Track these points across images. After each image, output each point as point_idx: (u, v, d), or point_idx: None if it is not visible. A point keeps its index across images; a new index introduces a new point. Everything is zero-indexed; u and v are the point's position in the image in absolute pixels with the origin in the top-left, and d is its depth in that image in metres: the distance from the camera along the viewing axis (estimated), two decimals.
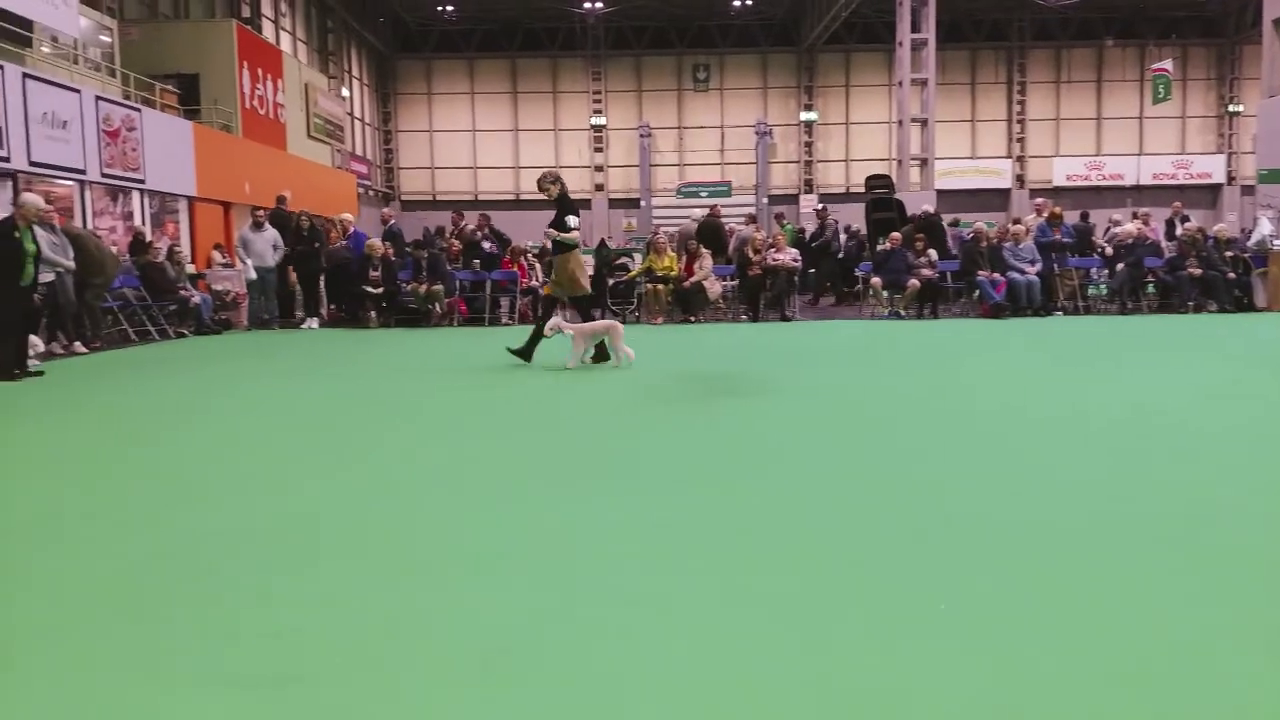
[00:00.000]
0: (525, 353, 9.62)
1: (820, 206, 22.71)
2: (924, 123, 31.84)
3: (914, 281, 15.22)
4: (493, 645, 2.70)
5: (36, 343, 10.05)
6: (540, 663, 2.58)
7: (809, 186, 44.29)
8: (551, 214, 9.69)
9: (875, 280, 15.63)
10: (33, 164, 15.12)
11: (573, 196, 10.13)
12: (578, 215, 9.84)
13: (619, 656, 2.62)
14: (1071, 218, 18.14)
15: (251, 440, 6.10)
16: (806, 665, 2.53)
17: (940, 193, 32.75)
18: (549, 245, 10.55)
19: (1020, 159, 44.57)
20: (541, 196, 9.92)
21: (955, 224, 21.29)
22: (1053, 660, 2.54)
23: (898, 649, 2.63)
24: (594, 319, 10.10)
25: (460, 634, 2.79)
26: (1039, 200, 17.59)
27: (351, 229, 16.11)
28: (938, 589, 3.08)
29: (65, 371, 9.89)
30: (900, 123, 32.10)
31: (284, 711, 2.34)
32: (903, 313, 15.36)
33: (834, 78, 44.51)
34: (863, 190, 26.86)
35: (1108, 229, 19.46)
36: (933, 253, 15.81)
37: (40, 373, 9.47)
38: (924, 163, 32.20)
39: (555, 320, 9.46)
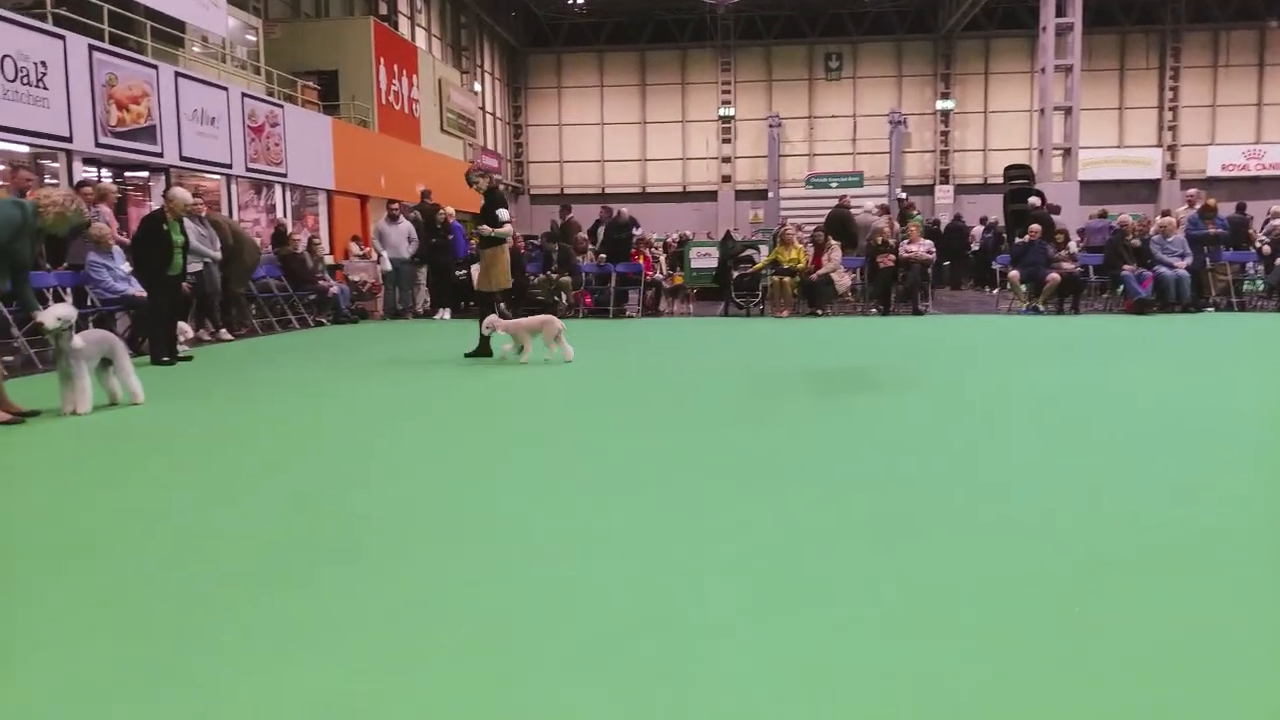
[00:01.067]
0: (481, 350, 9.69)
1: (903, 195, 22.04)
2: (1068, 111, 30.60)
3: (1054, 275, 14.63)
4: (599, 633, 2.66)
5: (185, 329, 10.49)
6: (638, 658, 2.52)
7: (945, 177, 43.13)
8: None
9: (1013, 274, 15.09)
10: (184, 159, 15.84)
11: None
12: (508, 209, 9.93)
13: (730, 658, 2.53)
14: (1226, 209, 17.15)
15: (387, 422, 6.22)
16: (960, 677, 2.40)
17: (1084, 184, 31.48)
18: (474, 245, 10.47)
19: (1171, 148, 42.44)
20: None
21: (1102, 215, 20.43)
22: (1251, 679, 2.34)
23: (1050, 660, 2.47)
24: (504, 315, 9.95)
25: (577, 619, 2.76)
26: (1191, 191, 16.67)
27: (451, 221, 16.24)
28: (1075, 594, 2.89)
29: (213, 357, 10.31)
30: (1042, 111, 30.93)
31: (409, 689, 2.33)
32: (1041, 308, 14.77)
33: (972, 65, 43.20)
34: (1001, 181, 26.03)
35: (1266, 221, 18.38)
36: (1073, 245, 15.18)
37: (189, 358, 9.89)
38: (1067, 152, 30.98)
39: (491, 318, 9.45)
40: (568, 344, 9.17)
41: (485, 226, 9.70)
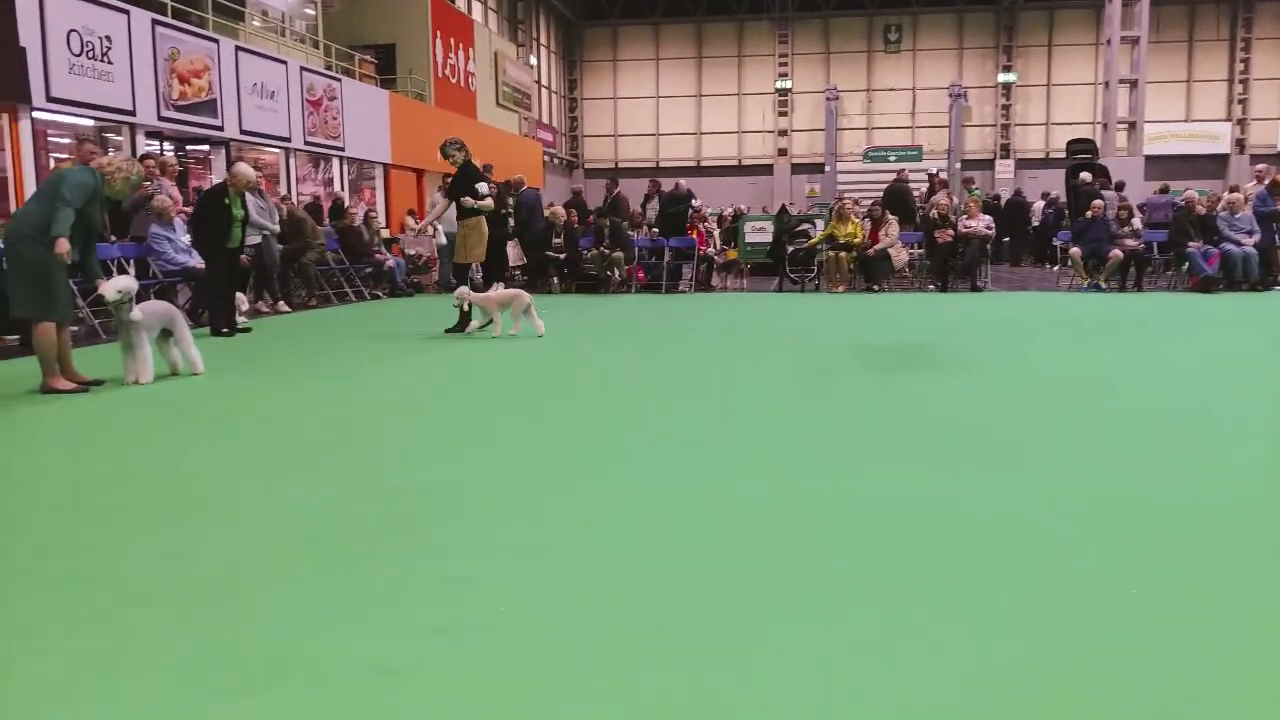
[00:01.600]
0: (459, 327, 9.71)
1: (934, 171, 21.62)
2: (1133, 84, 29.92)
3: (1116, 252, 14.33)
4: (659, 606, 2.66)
5: (242, 300, 10.64)
6: (702, 631, 2.52)
7: (1005, 151, 42.36)
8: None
9: (1074, 250, 14.80)
10: (244, 133, 16.03)
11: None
12: (489, 182, 9.98)
13: (781, 634, 2.52)
14: None
15: (442, 394, 6.28)
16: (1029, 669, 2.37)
17: (1149, 158, 30.78)
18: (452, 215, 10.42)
19: (1241, 122, 41.24)
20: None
21: (1163, 191, 19.97)
22: None
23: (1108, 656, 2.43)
24: (476, 287, 9.95)
25: (627, 592, 2.76)
26: (1260, 167, 16.23)
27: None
28: (1129, 575, 2.84)
29: (271, 328, 10.47)
30: (1107, 84, 30.25)
31: (455, 658, 2.36)
32: (1103, 285, 14.48)
33: (1035, 37, 42.29)
34: (1063, 156, 25.52)
35: None
36: (1137, 221, 14.84)
37: (248, 329, 10.05)
38: (1132, 126, 30.29)
39: (462, 290, 9.50)
40: (538, 317, 9.23)
41: (468, 199, 9.71)
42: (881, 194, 17.49)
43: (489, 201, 10.02)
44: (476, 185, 9.74)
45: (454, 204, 9.87)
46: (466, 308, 9.56)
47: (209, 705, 2.19)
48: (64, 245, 6.22)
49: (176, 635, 2.57)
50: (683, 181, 18.09)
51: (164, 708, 2.18)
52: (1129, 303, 12.75)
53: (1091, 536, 3.29)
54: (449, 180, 10.38)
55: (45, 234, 6.23)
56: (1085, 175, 17.20)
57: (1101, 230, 14.60)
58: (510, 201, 15.45)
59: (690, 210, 16.64)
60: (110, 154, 7.14)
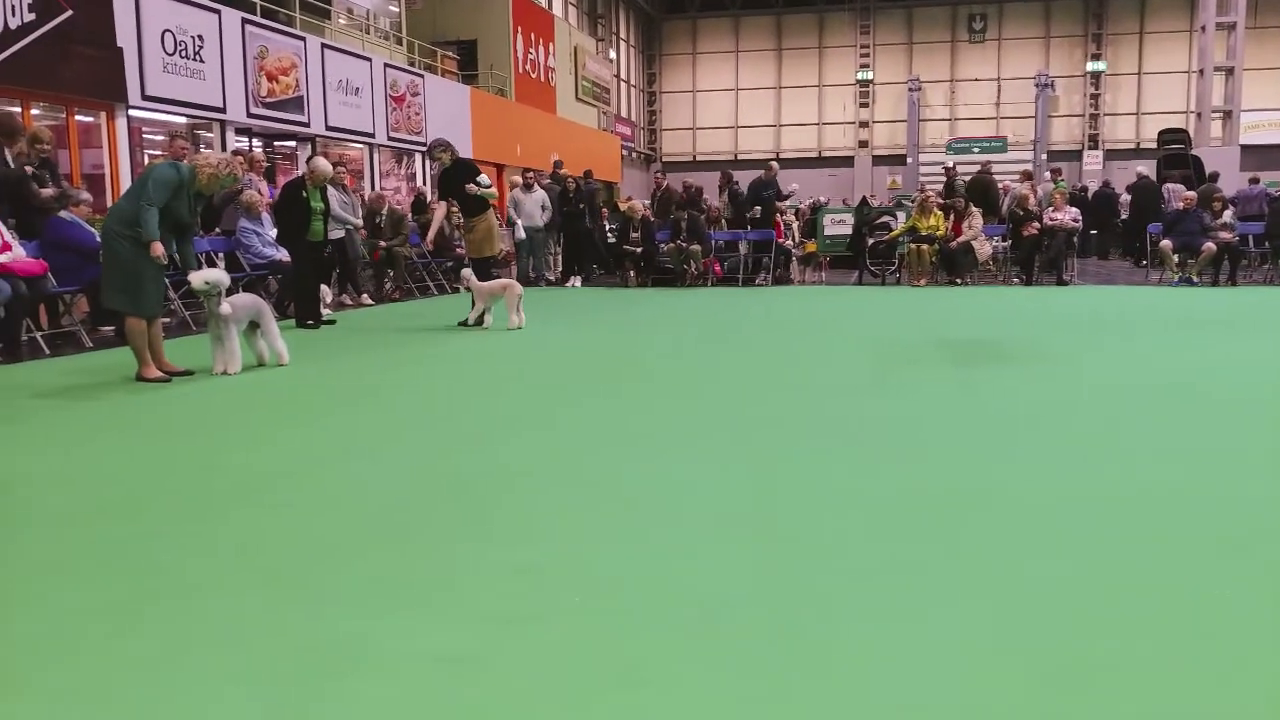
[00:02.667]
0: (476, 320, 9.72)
1: (950, 165, 20.96)
2: (1229, 71, 28.90)
3: (1209, 245, 13.87)
4: (724, 597, 2.66)
5: (326, 293, 10.86)
6: (761, 625, 2.51)
7: (1094, 142, 41.29)
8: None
9: (1165, 243, 14.37)
10: (329, 129, 16.36)
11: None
12: (484, 175, 10.00)
13: (842, 630, 2.50)
14: None
15: (519, 384, 6.35)
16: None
17: (1245, 148, 29.71)
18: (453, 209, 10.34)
19: None
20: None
21: (1254, 181, 19.25)
22: None
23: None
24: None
25: (697, 584, 2.77)
26: None
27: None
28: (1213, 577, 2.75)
29: (354, 321, 10.67)
30: (1201, 72, 29.29)
31: (521, 648, 2.38)
32: (1195, 279, 14.03)
33: (1126, 24, 41.11)
34: (1155, 146, 24.80)
35: None
36: (1230, 214, 14.34)
37: (333, 321, 10.26)
38: (1228, 115, 29.28)
39: (467, 271, 9.64)
40: (522, 312, 9.46)
41: (471, 186, 9.74)
42: (948, 184, 17.08)
43: (494, 189, 10.15)
44: (478, 179, 9.84)
45: (449, 203, 10.02)
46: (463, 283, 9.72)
47: (279, 693, 2.24)
48: (158, 249, 6.42)
49: (249, 622, 2.63)
50: (775, 164, 17.53)
51: (237, 694, 2.24)
52: (1222, 297, 12.34)
53: (1177, 533, 3.21)
54: (439, 183, 10.47)
55: (134, 229, 6.43)
56: (1140, 169, 16.67)
57: (1194, 223, 14.15)
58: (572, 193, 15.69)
59: (788, 194, 16.37)
60: (207, 153, 7.31)
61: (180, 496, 3.88)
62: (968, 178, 17.59)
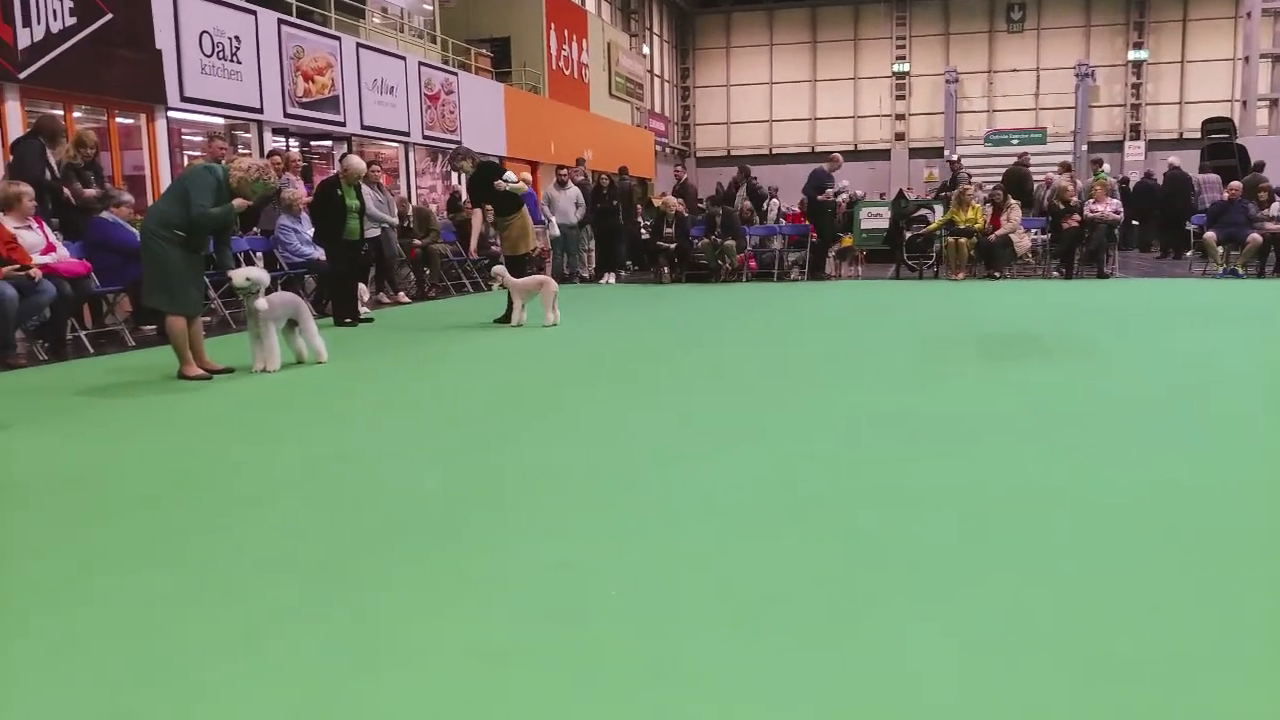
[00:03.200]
0: (507, 317, 9.71)
1: (954, 158, 20.67)
2: (1276, 59, 28.39)
3: (1255, 236, 13.62)
4: (763, 592, 2.64)
5: (363, 291, 10.93)
6: (802, 623, 2.49)
7: (1135, 132, 40.69)
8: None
9: (1209, 235, 14.12)
10: (365, 128, 16.46)
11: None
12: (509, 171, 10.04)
13: (890, 627, 2.47)
14: None
15: (556, 382, 6.35)
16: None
17: None
18: (486, 212, 10.29)
19: None
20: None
21: None
22: None
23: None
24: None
25: (735, 578, 2.75)
26: None
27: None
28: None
29: (391, 319, 10.73)
30: (1247, 59, 28.79)
31: (558, 643, 2.38)
32: (1240, 271, 13.79)
33: (1169, 12, 40.46)
34: (1198, 136, 24.42)
35: None
36: (1276, 205, 14.08)
37: (370, 319, 10.33)
38: (1274, 104, 28.78)
39: (499, 268, 9.63)
40: (557, 309, 9.49)
41: (500, 182, 9.74)
42: (953, 177, 16.93)
43: (522, 185, 10.20)
44: (506, 176, 9.88)
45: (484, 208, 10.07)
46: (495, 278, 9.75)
47: (318, 682, 2.25)
48: (241, 203, 6.75)
49: (287, 617, 2.65)
50: (839, 155, 17.28)
51: (278, 682, 2.25)
52: (1270, 290, 12.11)
53: (1218, 530, 3.14)
54: (470, 190, 10.51)
55: (171, 230, 6.51)
56: (1173, 159, 16.41)
57: (1239, 213, 13.90)
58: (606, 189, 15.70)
59: (842, 190, 16.30)
60: (245, 155, 7.43)
61: (221, 491, 3.92)
62: (972, 171, 17.43)
